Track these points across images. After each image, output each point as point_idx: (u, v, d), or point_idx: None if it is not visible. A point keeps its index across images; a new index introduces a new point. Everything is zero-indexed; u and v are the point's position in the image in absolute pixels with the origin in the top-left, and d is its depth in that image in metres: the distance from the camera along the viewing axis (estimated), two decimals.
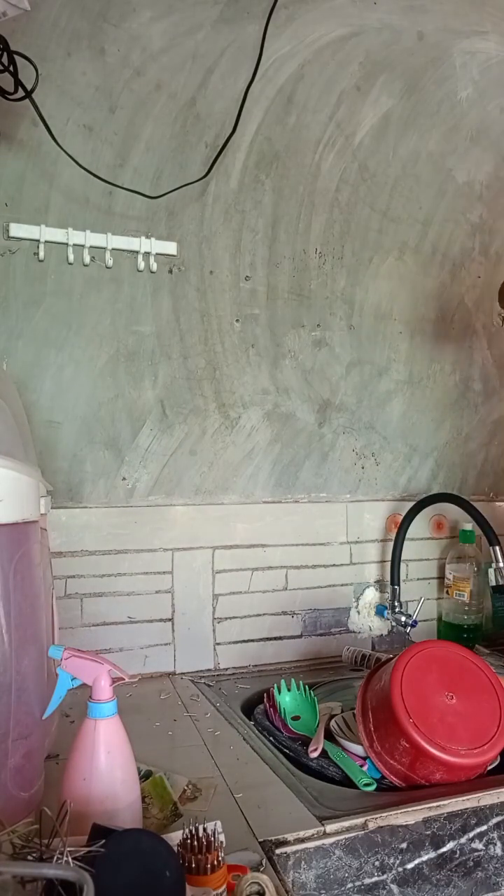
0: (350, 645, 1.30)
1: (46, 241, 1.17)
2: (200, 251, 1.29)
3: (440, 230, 1.49)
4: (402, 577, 1.38)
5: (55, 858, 0.48)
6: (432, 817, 0.74)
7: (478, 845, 0.75)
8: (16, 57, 1.01)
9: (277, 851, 0.66)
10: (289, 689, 1.06)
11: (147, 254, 1.24)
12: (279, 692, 1.05)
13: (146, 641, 1.22)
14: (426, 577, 1.46)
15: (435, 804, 0.75)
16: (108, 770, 0.64)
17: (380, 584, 1.42)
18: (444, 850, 0.74)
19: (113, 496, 1.23)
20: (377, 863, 0.71)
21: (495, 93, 1.54)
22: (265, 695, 1.07)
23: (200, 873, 0.54)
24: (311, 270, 1.38)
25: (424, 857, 0.73)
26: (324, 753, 0.90)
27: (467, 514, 1.25)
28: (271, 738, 0.98)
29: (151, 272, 1.25)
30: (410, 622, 1.33)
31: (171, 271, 1.27)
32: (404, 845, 0.72)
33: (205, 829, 0.57)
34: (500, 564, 1.17)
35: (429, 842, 0.73)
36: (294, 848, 0.67)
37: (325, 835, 0.69)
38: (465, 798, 0.76)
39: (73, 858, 0.48)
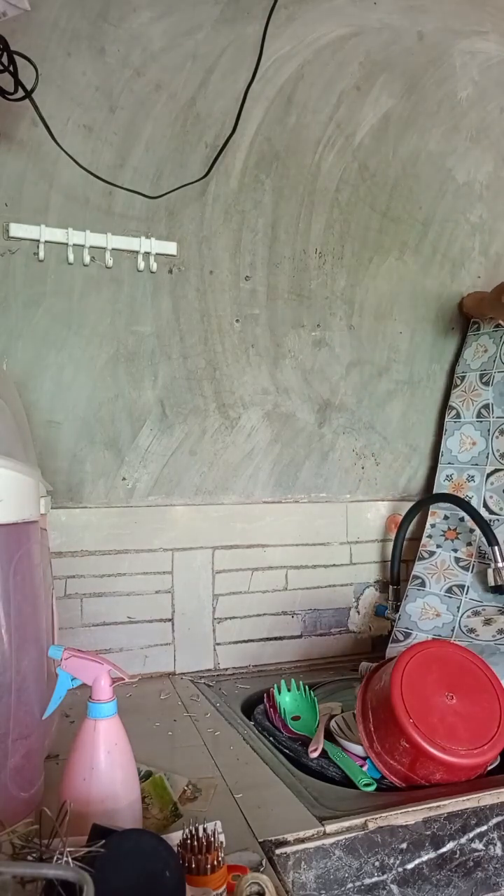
0: (354, 651, 1.29)
1: (46, 241, 1.17)
2: (200, 251, 1.29)
3: (440, 230, 1.49)
4: (402, 577, 1.38)
5: (55, 858, 0.48)
6: (432, 817, 0.74)
7: (478, 845, 0.75)
8: (16, 57, 1.01)
9: (277, 852, 0.66)
10: (289, 690, 1.06)
11: (147, 254, 1.24)
12: (279, 692, 1.05)
13: (146, 641, 1.22)
14: None
15: (435, 804, 0.75)
16: (108, 770, 0.64)
17: (380, 584, 1.42)
18: (444, 850, 0.74)
19: (113, 496, 1.23)
20: (377, 863, 0.70)
21: (495, 93, 1.55)
22: (265, 695, 1.07)
23: (200, 873, 0.54)
24: (311, 270, 1.38)
25: (424, 858, 0.73)
26: (324, 753, 0.90)
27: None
28: (271, 739, 0.98)
29: (151, 272, 1.25)
30: None
31: (171, 271, 1.27)
32: (404, 845, 0.72)
33: (205, 830, 0.57)
34: (500, 564, 1.17)
35: (429, 842, 0.73)
36: (294, 848, 0.67)
37: (325, 835, 0.69)
38: (465, 798, 0.76)
39: (73, 858, 0.48)
